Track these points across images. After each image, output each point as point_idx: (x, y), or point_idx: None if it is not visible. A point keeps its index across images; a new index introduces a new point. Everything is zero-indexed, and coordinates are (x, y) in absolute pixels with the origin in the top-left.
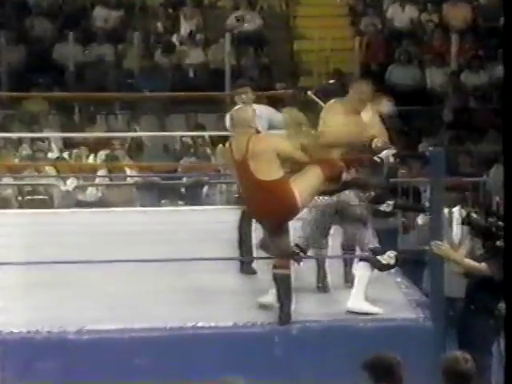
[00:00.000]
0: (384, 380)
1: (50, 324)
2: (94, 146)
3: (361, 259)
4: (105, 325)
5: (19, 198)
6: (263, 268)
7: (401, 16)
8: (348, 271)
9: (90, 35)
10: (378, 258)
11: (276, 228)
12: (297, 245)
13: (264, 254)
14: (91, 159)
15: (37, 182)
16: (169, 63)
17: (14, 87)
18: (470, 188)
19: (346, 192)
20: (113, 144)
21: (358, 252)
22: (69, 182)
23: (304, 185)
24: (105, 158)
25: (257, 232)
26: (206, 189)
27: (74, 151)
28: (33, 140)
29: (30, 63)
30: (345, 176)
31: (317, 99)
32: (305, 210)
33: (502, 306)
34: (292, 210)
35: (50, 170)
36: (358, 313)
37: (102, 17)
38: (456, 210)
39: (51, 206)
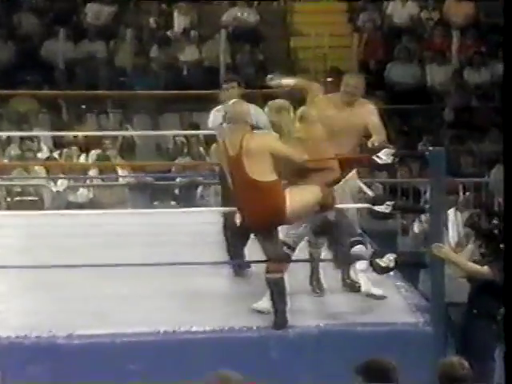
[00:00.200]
0: None
1: (39, 329)
2: (85, 146)
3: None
4: (96, 329)
5: (8, 199)
6: (259, 272)
7: (400, 12)
8: (346, 274)
9: (81, 31)
10: (377, 260)
11: (265, 231)
12: (284, 242)
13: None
14: (82, 159)
15: (26, 183)
16: (162, 60)
17: (1, 85)
18: (471, 189)
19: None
20: (104, 143)
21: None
22: (59, 182)
23: (298, 197)
24: (96, 157)
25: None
26: (200, 189)
27: (65, 151)
28: (22, 139)
29: (18, 60)
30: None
31: None
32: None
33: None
34: (280, 217)
35: (39, 170)
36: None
37: (94, 12)
38: (451, 211)
39: (41, 208)
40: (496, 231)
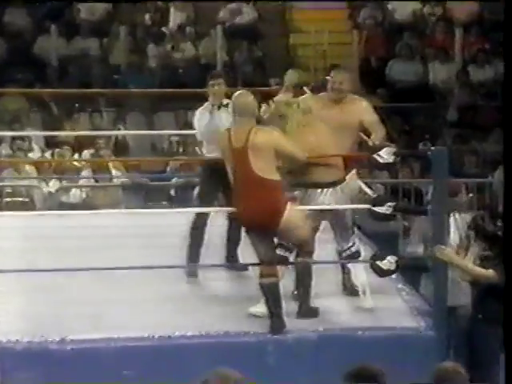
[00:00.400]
0: None
1: (31, 333)
2: (78, 146)
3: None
4: (89, 334)
5: None
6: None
7: (402, 8)
8: (346, 278)
9: (74, 28)
10: (378, 263)
11: (261, 231)
12: (281, 244)
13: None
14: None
15: (17, 184)
16: (157, 58)
17: None
18: (474, 190)
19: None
20: (97, 143)
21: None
22: (51, 183)
23: (295, 213)
24: (90, 158)
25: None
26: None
27: (57, 151)
28: (13, 139)
29: (9, 58)
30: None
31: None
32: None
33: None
34: (277, 219)
35: (30, 170)
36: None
37: (87, 8)
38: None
39: (33, 209)
40: (500, 233)
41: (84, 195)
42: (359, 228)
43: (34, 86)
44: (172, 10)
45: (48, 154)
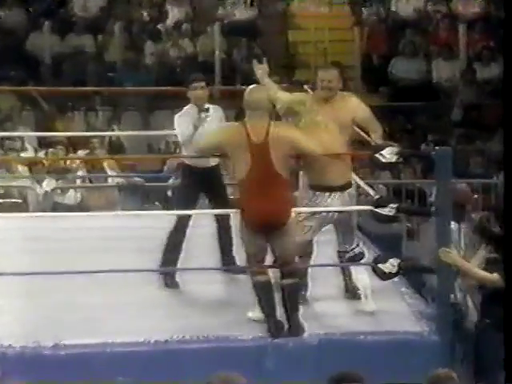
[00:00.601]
0: None
1: (24, 338)
2: (72, 145)
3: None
4: (83, 339)
5: None
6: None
7: (405, 4)
8: (348, 280)
9: (68, 24)
10: (380, 265)
11: (276, 229)
12: None
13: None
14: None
15: (9, 184)
16: (154, 55)
17: None
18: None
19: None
20: (92, 143)
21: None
22: (45, 183)
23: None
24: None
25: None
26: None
27: (50, 150)
28: (2, 139)
29: (1, 55)
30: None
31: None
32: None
33: None
34: (286, 219)
35: (23, 170)
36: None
37: (81, 4)
38: None
39: (26, 210)
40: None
41: (79, 197)
42: (361, 230)
43: (27, 84)
44: (169, 6)
45: (41, 154)
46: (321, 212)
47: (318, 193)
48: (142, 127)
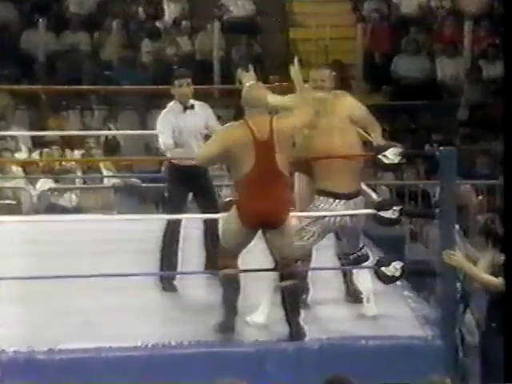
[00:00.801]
0: None
1: (18, 343)
2: (68, 145)
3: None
4: (79, 344)
5: None
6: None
7: (408, 1)
8: (350, 284)
9: (63, 21)
10: (383, 269)
11: (275, 229)
12: None
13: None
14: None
15: (3, 185)
16: (151, 53)
17: None
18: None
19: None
20: (88, 143)
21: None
22: (38, 184)
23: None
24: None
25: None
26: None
27: (45, 151)
28: None
29: None
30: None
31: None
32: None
33: None
34: (285, 218)
35: (17, 171)
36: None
37: (77, 1)
38: None
39: (19, 212)
40: None
41: (74, 199)
42: (363, 232)
43: (21, 83)
44: (166, 2)
45: (36, 154)
46: (324, 217)
47: (322, 198)
48: (138, 126)
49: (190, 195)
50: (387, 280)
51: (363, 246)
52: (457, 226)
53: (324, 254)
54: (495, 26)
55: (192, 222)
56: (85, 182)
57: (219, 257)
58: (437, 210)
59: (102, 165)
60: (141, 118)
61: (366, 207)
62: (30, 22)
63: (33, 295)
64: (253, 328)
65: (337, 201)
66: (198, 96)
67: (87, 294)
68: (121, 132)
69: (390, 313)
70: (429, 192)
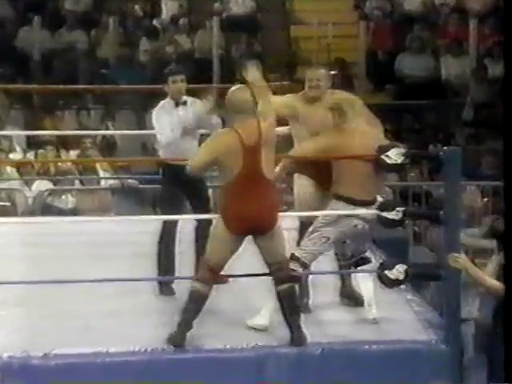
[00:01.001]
0: None
1: (12, 348)
2: (63, 146)
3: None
4: (75, 348)
5: None
6: (254, 286)
7: None
8: (347, 286)
9: (59, 19)
10: (386, 272)
11: (263, 234)
12: (297, 259)
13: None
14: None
15: None
16: (149, 51)
17: None
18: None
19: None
20: (84, 143)
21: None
22: (34, 186)
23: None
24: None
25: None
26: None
27: (40, 151)
28: None
29: None
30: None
31: None
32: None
33: None
34: (274, 222)
35: (11, 172)
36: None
37: None
38: None
39: (14, 214)
40: None
41: (71, 200)
42: None
43: (16, 82)
44: None
45: (30, 155)
46: (342, 224)
47: (340, 203)
48: (136, 126)
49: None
50: (390, 283)
51: (366, 250)
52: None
53: (326, 257)
54: (500, 23)
55: (189, 224)
56: (82, 183)
57: (200, 268)
58: (441, 212)
59: (98, 166)
60: (138, 117)
61: None
62: (24, 19)
63: (28, 299)
64: (253, 332)
65: (356, 207)
66: (197, 95)
67: (83, 297)
68: (118, 132)
69: (393, 317)
70: (433, 193)
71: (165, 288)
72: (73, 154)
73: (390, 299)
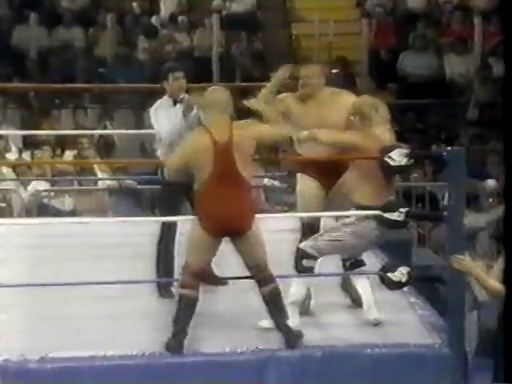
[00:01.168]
0: None
1: (8, 351)
2: (60, 146)
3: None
4: (72, 352)
5: None
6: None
7: None
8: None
9: (56, 17)
10: (389, 274)
11: (240, 235)
12: (304, 252)
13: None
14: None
15: None
16: (147, 50)
17: None
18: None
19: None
20: (81, 143)
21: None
22: (30, 186)
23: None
24: (72, 159)
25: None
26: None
27: (36, 152)
28: None
29: None
30: None
31: None
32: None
33: None
34: (250, 222)
35: (7, 172)
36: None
37: None
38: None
39: (10, 215)
40: None
41: (68, 201)
42: None
43: (12, 81)
44: None
45: (26, 155)
46: (368, 234)
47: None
48: (134, 126)
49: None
50: (393, 286)
51: (361, 253)
52: None
53: (328, 259)
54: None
55: (189, 225)
56: (80, 184)
57: (182, 273)
58: (445, 213)
59: (96, 166)
60: (136, 117)
61: None
62: (20, 16)
63: (23, 302)
64: (253, 335)
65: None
66: (196, 93)
67: (80, 300)
68: (116, 131)
69: (396, 320)
70: (436, 194)
71: (164, 291)
72: (70, 154)
73: (392, 302)
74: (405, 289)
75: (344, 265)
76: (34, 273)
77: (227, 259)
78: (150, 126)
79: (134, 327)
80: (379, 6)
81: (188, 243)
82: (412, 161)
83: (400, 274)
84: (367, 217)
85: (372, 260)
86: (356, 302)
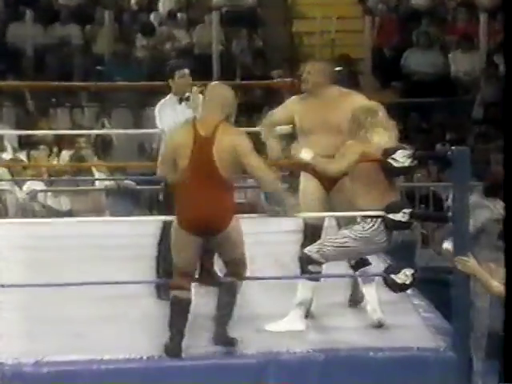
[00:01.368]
0: None
1: (3, 354)
2: (56, 145)
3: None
4: (68, 355)
5: None
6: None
7: None
8: (356, 291)
9: (52, 13)
10: (393, 276)
11: (216, 234)
12: (309, 258)
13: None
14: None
15: None
16: (146, 47)
17: None
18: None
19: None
20: (78, 142)
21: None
22: (25, 186)
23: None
24: (69, 159)
25: None
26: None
27: (32, 152)
28: None
29: None
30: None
31: None
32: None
33: None
34: (227, 221)
35: (3, 172)
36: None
37: None
38: None
39: (5, 215)
40: None
41: (64, 201)
42: None
43: (7, 79)
44: None
45: (22, 155)
46: (379, 240)
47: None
48: (132, 125)
49: None
50: (397, 288)
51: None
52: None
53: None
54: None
55: None
56: (77, 184)
57: (173, 275)
58: (449, 213)
59: (93, 166)
60: (135, 116)
61: None
62: (16, 13)
63: (20, 304)
64: (253, 336)
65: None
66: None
67: (78, 302)
68: (114, 131)
69: (399, 322)
70: (440, 194)
71: (163, 293)
72: (66, 153)
73: (396, 304)
74: (408, 291)
75: (349, 263)
76: (29, 274)
77: None
78: (149, 125)
79: (131, 330)
80: (382, 2)
81: (171, 244)
82: (415, 162)
83: (404, 275)
84: (375, 222)
85: (375, 261)
86: (355, 302)
